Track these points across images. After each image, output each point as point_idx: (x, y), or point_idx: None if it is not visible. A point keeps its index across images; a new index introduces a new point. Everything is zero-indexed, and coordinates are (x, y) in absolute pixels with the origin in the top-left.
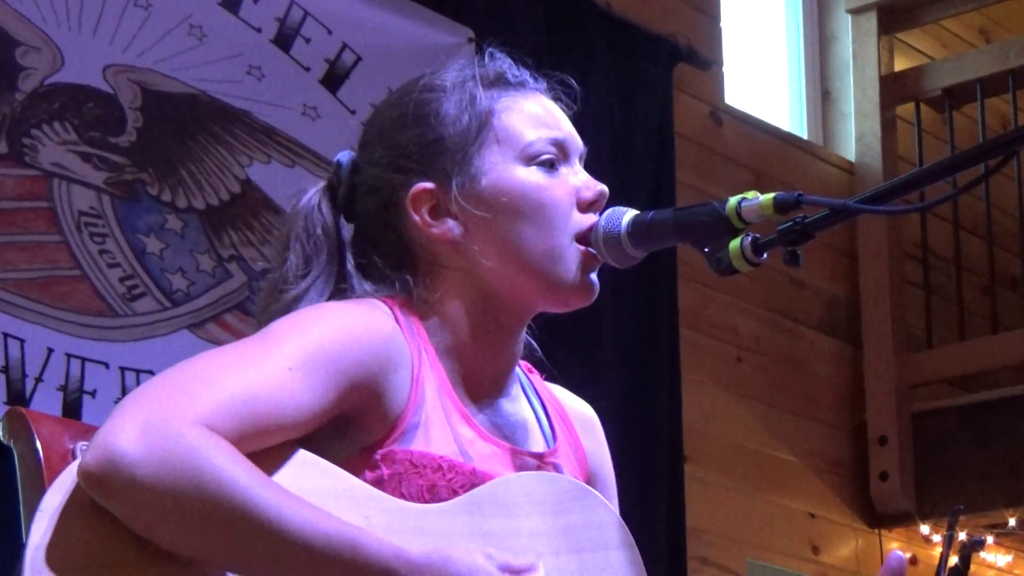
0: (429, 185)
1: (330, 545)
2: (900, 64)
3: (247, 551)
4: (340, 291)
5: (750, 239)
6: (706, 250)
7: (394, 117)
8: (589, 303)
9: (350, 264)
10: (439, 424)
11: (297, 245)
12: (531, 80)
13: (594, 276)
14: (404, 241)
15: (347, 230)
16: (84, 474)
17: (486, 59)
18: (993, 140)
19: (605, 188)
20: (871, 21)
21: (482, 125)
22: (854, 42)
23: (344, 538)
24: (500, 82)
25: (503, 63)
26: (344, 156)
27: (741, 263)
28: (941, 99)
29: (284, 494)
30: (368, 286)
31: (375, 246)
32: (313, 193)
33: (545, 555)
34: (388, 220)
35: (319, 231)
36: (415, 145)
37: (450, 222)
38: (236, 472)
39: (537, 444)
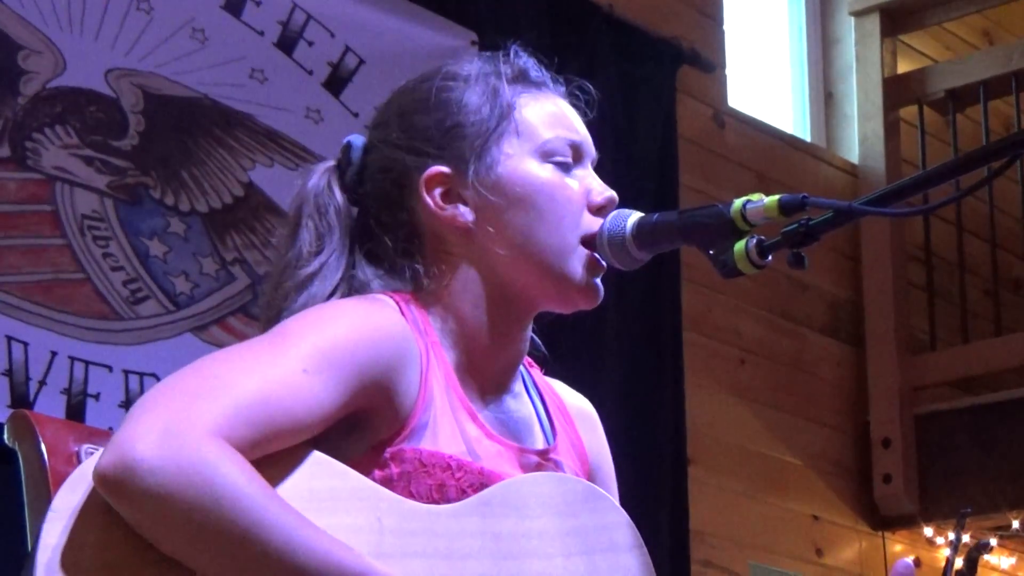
0: (444, 169)
1: (337, 573)
2: (903, 66)
3: (251, 570)
4: (350, 275)
5: (755, 241)
6: (711, 252)
7: (414, 100)
8: (593, 306)
9: (359, 248)
10: (447, 422)
11: (310, 223)
12: (551, 82)
13: (598, 281)
14: (413, 224)
15: (355, 214)
16: (99, 476)
17: (511, 56)
18: (997, 143)
19: (615, 194)
20: (874, 23)
21: (502, 117)
22: (857, 44)
23: (353, 568)
24: (522, 79)
25: (527, 62)
26: (355, 138)
27: (746, 265)
28: (944, 101)
29: (297, 518)
30: (373, 271)
31: (384, 228)
32: (322, 173)
33: (555, 556)
34: (398, 201)
35: (331, 211)
36: (434, 128)
37: (461, 207)
38: (251, 490)
39: (538, 441)
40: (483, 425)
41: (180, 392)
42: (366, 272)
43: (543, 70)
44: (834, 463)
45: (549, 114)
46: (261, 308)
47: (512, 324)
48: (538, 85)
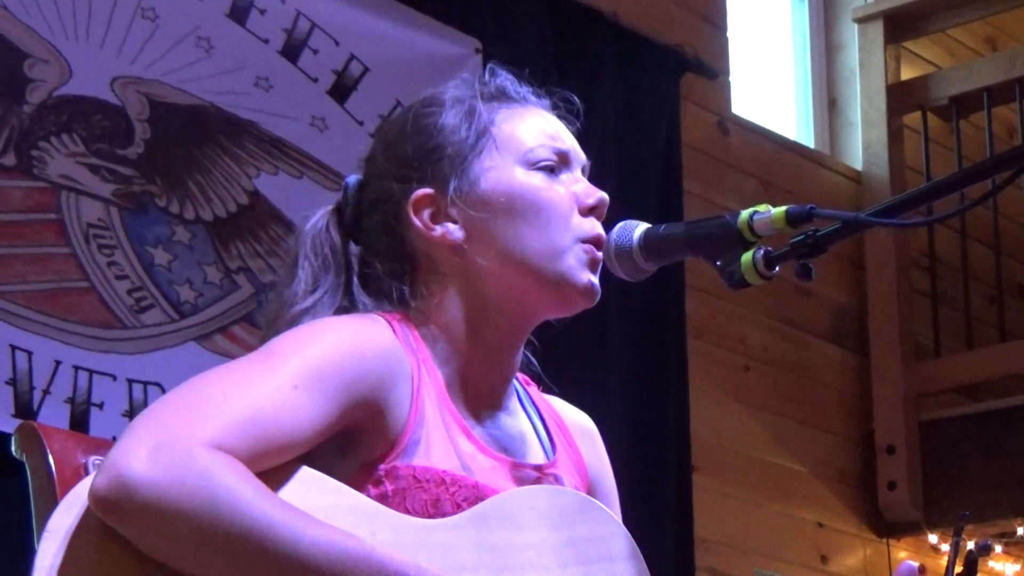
0: (429, 191)
1: (346, 562)
2: (907, 73)
3: (261, 572)
4: (344, 307)
5: (762, 252)
6: (718, 263)
7: (396, 130)
8: (591, 304)
9: (355, 279)
10: (440, 438)
11: (306, 263)
12: (533, 97)
13: (595, 278)
14: (406, 248)
15: (355, 251)
16: (96, 499)
17: (487, 75)
18: (1002, 155)
19: (605, 195)
20: (877, 30)
21: (481, 134)
22: (860, 51)
23: (360, 554)
24: (501, 96)
25: (504, 79)
26: (352, 178)
27: (754, 276)
28: (948, 108)
29: (297, 514)
30: (367, 297)
31: (377, 256)
32: (321, 215)
33: (551, 568)
34: (392, 230)
35: (327, 250)
36: (415, 154)
37: (450, 225)
38: (249, 493)
39: (536, 456)
40: (477, 441)
41: (171, 410)
42: (363, 297)
43: (523, 85)
44: (838, 470)
45: (531, 125)
46: (260, 337)
47: (503, 340)
48: (518, 101)
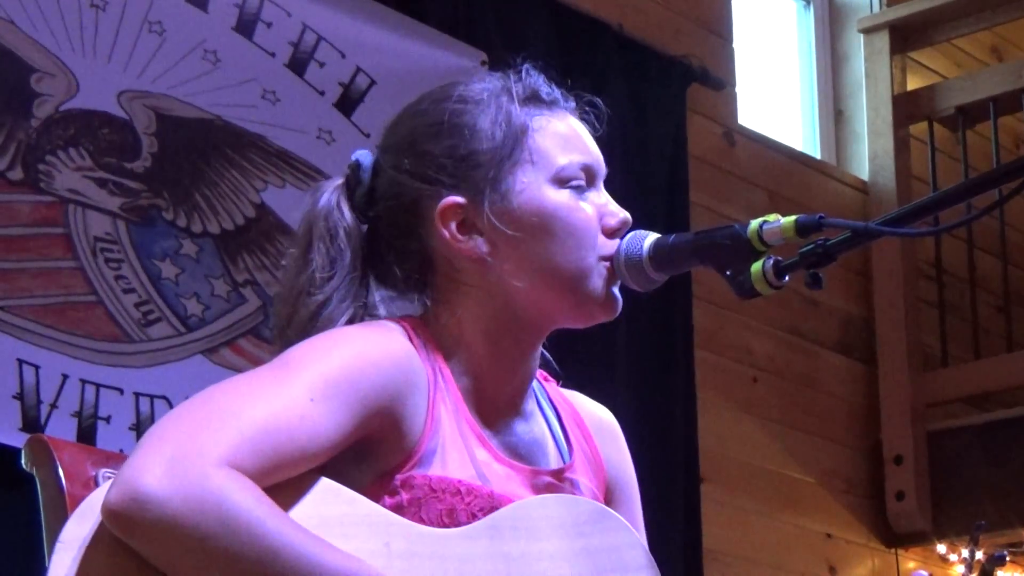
0: (460, 199)
1: None
2: (913, 83)
3: None
4: (361, 301)
5: (772, 262)
6: (728, 273)
7: (425, 125)
8: (614, 317)
9: (370, 271)
10: (456, 447)
11: (321, 246)
12: (562, 99)
13: (616, 290)
14: (425, 252)
15: (364, 228)
16: (108, 512)
17: (521, 74)
18: (1009, 164)
19: (628, 216)
20: (883, 40)
21: (516, 142)
22: (866, 61)
23: None
24: (534, 99)
25: (537, 80)
26: (364, 156)
27: (763, 286)
28: (954, 118)
29: (309, 537)
30: (383, 295)
31: (395, 255)
32: (331, 192)
33: None
34: (410, 228)
35: (341, 233)
36: (447, 157)
37: (478, 239)
38: (262, 513)
39: (553, 460)
40: (492, 449)
41: (186, 423)
42: (378, 296)
43: (553, 87)
44: (847, 480)
45: (562, 137)
46: (274, 331)
47: (522, 348)
48: (549, 104)
